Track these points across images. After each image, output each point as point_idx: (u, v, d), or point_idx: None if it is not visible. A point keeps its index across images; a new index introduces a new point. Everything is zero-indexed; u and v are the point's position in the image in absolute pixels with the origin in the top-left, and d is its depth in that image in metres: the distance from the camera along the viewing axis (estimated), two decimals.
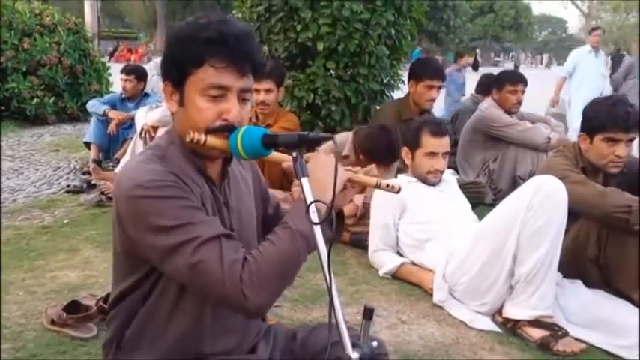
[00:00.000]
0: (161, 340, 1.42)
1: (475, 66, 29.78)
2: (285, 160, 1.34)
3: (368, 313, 1.24)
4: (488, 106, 4.62)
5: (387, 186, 1.47)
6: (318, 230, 1.23)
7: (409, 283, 2.93)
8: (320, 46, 4.00)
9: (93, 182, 4.66)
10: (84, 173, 5.02)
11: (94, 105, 5.49)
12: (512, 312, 2.48)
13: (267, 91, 3.70)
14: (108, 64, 9.27)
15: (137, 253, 1.35)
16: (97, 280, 2.87)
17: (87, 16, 10.44)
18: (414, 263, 2.99)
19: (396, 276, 2.99)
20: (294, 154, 1.27)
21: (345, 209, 3.51)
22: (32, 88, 7.57)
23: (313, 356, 1.56)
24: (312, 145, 1.30)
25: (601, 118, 2.62)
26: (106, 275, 2.86)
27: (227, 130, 1.30)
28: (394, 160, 3.46)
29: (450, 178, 3.29)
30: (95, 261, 3.17)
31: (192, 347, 1.43)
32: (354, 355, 1.17)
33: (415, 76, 4.01)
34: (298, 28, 4.02)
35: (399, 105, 4.13)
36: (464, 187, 4.03)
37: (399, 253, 3.07)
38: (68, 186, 4.74)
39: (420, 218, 2.99)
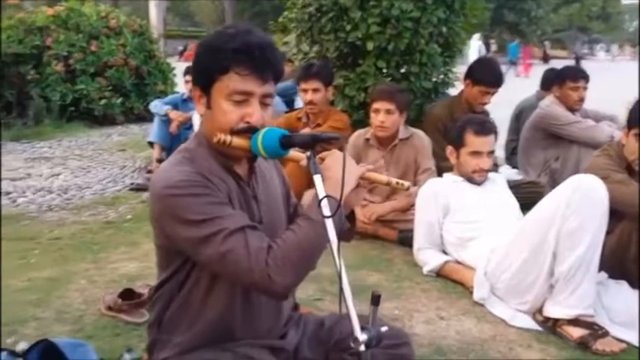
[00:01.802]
0: (196, 323, 1.61)
1: (545, 59, 28.95)
2: (302, 158, 1.51)
3: (375, 300, 1.37)
4: (549, 103, 4.63)
5: (397, 183, 1.62)
6: (329, 222, 1.38)
7: (452, 281, 3.04)
8: (370, 46, 4.15)
9: None
10: (148, 172, 5.38)
11: (156, 105, 5.85)
12: (551, 311, 2.55)
13: (315, 90, 3.89)
14: (173, 65, 9.74)
15: (172, 247, 1.55)
16: (153, 272, 3.08)
17: (152, 17, 10.98)
18: (458, 262, 3.09)
19: (439, 274, 3.11)
20: (308, 153, 1.43)
21: (396, 203, 3.68)
22: (100, 90, 8.07)
23: (337, 342, 1.74)
24: (324, 144, 1.48)
25: (635, 112, 2.67)
26: None
27: (249, 131, 1.48)
28: None
29: (497, 177, 3.37)
30: (153, 254, 3.39)
31: (224, 331, 1.62)
32: (362, 337, 1.31)
33: (472, 77, 4.08)
34: (348, 27, 4.19)
35: (450, 103, 4.23)
36: (521, 186, 4.11)
37: (444, 252, 3.18)
38: (132, 184, 5.12)
39: (463, 217, 3.09)
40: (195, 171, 1.50)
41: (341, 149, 1.57)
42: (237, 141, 1.48)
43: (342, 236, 1.42)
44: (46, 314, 2.65)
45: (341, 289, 1.35)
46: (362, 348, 1.32)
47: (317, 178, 1.41)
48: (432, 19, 4.24)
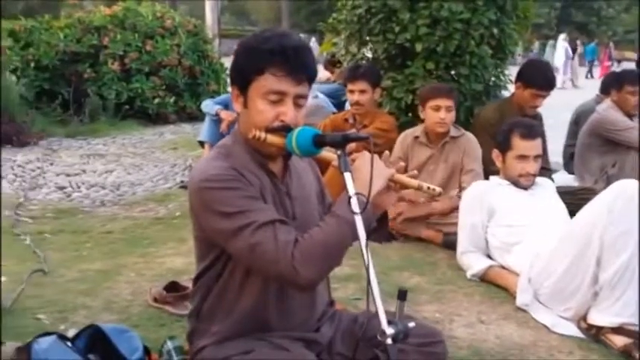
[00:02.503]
0: (232, 313, 1.72)
1: (618, 60, 28.12)
2: (334, 157, 1.58)
3: (402, 295, 1.46)
4: (606, 107, 4.57)
5: (428, 188, 1.69)
6: (358, 219, 1.46)
7: (495, 286, 3.06)
8: (419, 47, 4.19)
9: None
10: None
11: (207, 105, 6.03)
12: (595, 318, 2.55)
13: (362, 92, 3.96)
14: (227, 65, 10.00)
15: (208, 238, 1.67)
16: None
17: (207, 16, 11.30)
18: (502, 267, 3.11)
19: (483, 279, 3.13)
20: (339, 152, 1.51)
21: (438, 205, 3.73)
22: (154, 89, 8.35)
23: (370, 338, 1.82)
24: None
25: None
26: None
27: (283, 129, 1.58)
28: None
29: (545, 182, 3.36)
30: None
31: (259, 321, 1.72)
32: (389, 331, 1.39)
33: (524, 80, 4.06)
34: (397, 29, 4.23)
35: (501, 106, 4.22)
36: (576, 192, 4.08)
37: (488, 256, 3.20)
38: (182, 182, 5.31)
39: (508, 221, 3.10)
40: (230, 166, 1.60)
41: (380, 153, 1.65)
42: (272, 138, 1.58)
43: (372, 236, 1.51)
44: (96, 303, 2.82)
45: (369, 283, 1.43)
46: (389, 341, 1.39)
47: (347, 176, 1.50)
48: (483, 20, 4.24)
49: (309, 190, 1.83)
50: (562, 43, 20.97)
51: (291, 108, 1.59)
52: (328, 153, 1.63)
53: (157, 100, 8.37)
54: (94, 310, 2.74)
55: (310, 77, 1.63)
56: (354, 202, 1.46)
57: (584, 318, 2.63)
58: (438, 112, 3.74)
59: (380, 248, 3.51)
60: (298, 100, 1.61)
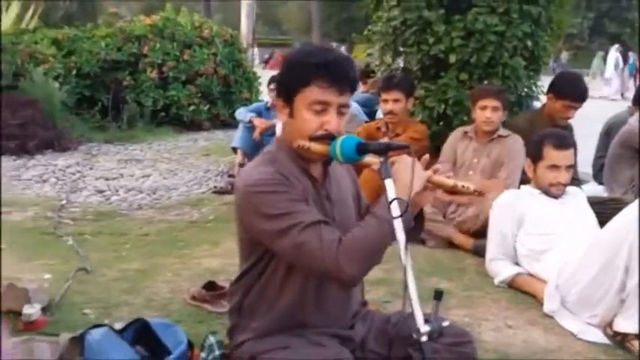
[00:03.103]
0: (272, 310, 1.83)
1: None
2: (375, 163, 1.69)
3: (438, 295, 1.54)
4: (636, 119, 4.60)
5: (463, 187, 1.78)
6: (398, 222, 1.56)
7: (523, 293, 3.13)
8: (452, 58, 4.29)
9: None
10: (230, 176, 5.71)
11: (241, 113, 6.20)
12: (621, 325, 2.61)
13: (396, 101, 4.07)
14: (259, 74, 10.19)
15: (253, 239, 1.78)
16: (233, 268, 3.36)
17: (243, 26, 11.51)
18: (530, 274, 3.17)
19: (511, 285, 3.20)
20: (381, 159, 1.62)
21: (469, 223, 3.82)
22: (190, 96, 8.54)
23: (402, 337, 1.90)
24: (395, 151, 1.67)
25: None
26: None
27: (327, 137, 1.69)
28: None
29: (576, 191, 3.41)
30: (234, 252, 3.63)
31: (297, 318, 1.83)
32: (424, 328, 1.48)
33: (556, 91, 4.14)
34: (431, 40, 4.35)
35: (532, 116, 4.29)
36: (605, 203, 4.11)
37: (516, 263, 3.27)
38: (215, 187, 5.46)
39: (538, 230, 3.17)
40: (276, 170, 1.72)
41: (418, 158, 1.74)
42: (316, 146, 1.70)
43: (410, 233, 1.60)
44: (137, 300, 2.96)
45: (406, 283, 1.52)
46: (424, 339, 1.47)
47: (388, 182, 1.60)
48: (517, 32, 4.33)
49: (347, 193, 1.93)
50: (614, 54, 20.66)
51: (334, 117, 1.71)
52: (369, 159, 1.72)
53: (191, 108, 8.56)
54: (135, 307, 2.88)
55: (352, 87, 1.74)
56: (394, 206, 1.56)
57: (610, 325, 2.69)
58: (485, 112, 3.96)
59: (410, 253, 3.58)
60: (341, 109, 1.73)
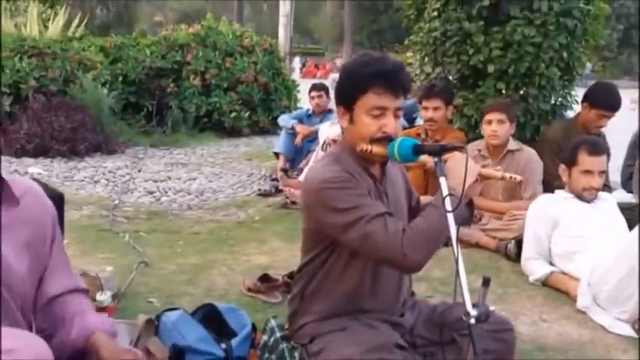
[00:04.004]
0: (332, 295, 2.04)
1: None
2: (429, 162, 1.91)
3: (485, 282, 1.70)
4: None
5: (511, 177, 1.99)
6: (451, 217, 1.74)
7: (556, 290, 3.31)
8: (491, 68, 4.49)
9: (280, 188, 5.56)
10: (273, 179, 5.96)
11: (283, 119, 6.47)
12: None
13: (436, 109, 4.28)
14: (297, 82, 10.46)
15: (320, 231, 1.99)
16: (282, 264, 3.63)
17: (280, 36, 11.82)
18: (563, 273, 3.36)
19: (545, 283, 3.38)
20: (436, 160, 1.82)
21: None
22: (231, 103, 8.82)
23: (449, 324, 2.09)
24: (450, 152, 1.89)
25: None
26: (288, 261, 3.59)
27: (385, 139, 1.90)
28: None
29: (608, 196, 3.58)
30: (280, 250, 3.97)
31: (354, 303, 2.04)
32: (473, 312, 1.64)
33: (590, 101, 4.29)
34: (471, 51, 4.55)
35: (566, 125, 4.45)
36: (633, 208, 4.24)
37: (551, 263, 3.45)
38: (260, 189, 5.72)
39: (571, 232, 3.35)
40: (343, 169, 1.94)
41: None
42: (376, 148, 1.91)
43: (463, 221, 1.80)
44: (196, 291, 3.22)
45: (457, 273, 1.70)
46: (472, 321, 1.63)
47: (442, 180, 1.79)
48: (554, 44, 4.51)
49: (400, 191, 2.15)
50: None
51: (391, 120, 1.92)
52: (424, 159, 1.93)
53: (232, 114, 8.84)
54: (196, 297, 3.13)
55: (405, 92, 1.96)
56: (447, 201, 1.75)
57: (638, 320, 2.89)
58: (490, 126, 4.08)
59: (447, 254, 3.78)
60: (397, 113, 1.95)
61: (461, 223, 1.76)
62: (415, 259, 1.83)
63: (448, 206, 1.74)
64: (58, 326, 1.77)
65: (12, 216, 1.69)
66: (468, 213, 1.97)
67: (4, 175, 1.71)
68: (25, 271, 1.70)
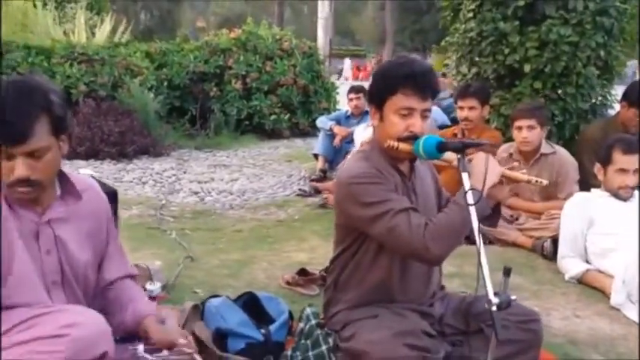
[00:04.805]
0: (363, 284, 2.18)
1: None
2: (454, 159, 2.00)
3: (507, 271, 1.79)
4: None
5: (536, 182, 2.09)
6: (472, 209, 1.84)
7: (591, 288, 3.36)
8: (527, 68, 4.55)
9: (319, 189, 5.74)
10: (312, 180, 6.12)
11: (322, 121, 6.62)
12: None
13: (471, 108, 4.36)
14: (337, 84, 10.61)
15: (350, 225, 2.13)
16: (319, 261, 3.76)
17: (319, 39, 11.97)
18: (599, 271, 3.41)
19: (580, 281, 3.44)
20: (459, 156, 1.93)
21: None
22: (271, 106, 9.03)
23: (476, 314, 2.20)
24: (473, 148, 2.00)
25: None
26: (325, 258, 3.66)
27: (412, 138, 2.02)
28: None
29: None
30: (318, 248, 4.11)
31: (384, 292, 2.17)
32: (495, 300, 1.73)
33: (629, 100, 4.32)
34: (506, 51, 4.62)
35: (606, 124, 4.48)
36: None
37: (586, 261, 3.51)
38: (300, 190, 5.89)
39: (606, 230, 3.40)
40: (371, 166, 2.08)
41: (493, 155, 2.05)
42: (403, 146, 2.03)
43: (487, 222, 1.90)
44: (239, 284, 3.39)
45: (479, 264, 1.79)
46: (494, 309, 1.72)
47: (465, 176, 1.89)
48: (591, 43, 4.54)
49: (429, 189, 2.27)
50: None
51: (418, 120, 2.05)
52: (449, 155, 2.03)
53: (273, 117, 9.04)
54: (238, 289, 3.27)
55: (433, 94, 2.08)
56: (469, 195, 1.85)
57: None
58: (521, 132, 4.09)
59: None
60: (424, 114, 2.07)
61: (482, 221, 1.84)
62: (437, 252, 1.94)
63: (469, 200, 1.83)
64: (115, 310, 1.97)
65: (75, 209, 1.89)
66: (489, 211, 2.06)
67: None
68: (86, 258, 1.90)
